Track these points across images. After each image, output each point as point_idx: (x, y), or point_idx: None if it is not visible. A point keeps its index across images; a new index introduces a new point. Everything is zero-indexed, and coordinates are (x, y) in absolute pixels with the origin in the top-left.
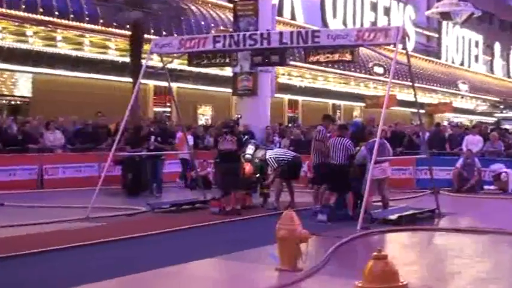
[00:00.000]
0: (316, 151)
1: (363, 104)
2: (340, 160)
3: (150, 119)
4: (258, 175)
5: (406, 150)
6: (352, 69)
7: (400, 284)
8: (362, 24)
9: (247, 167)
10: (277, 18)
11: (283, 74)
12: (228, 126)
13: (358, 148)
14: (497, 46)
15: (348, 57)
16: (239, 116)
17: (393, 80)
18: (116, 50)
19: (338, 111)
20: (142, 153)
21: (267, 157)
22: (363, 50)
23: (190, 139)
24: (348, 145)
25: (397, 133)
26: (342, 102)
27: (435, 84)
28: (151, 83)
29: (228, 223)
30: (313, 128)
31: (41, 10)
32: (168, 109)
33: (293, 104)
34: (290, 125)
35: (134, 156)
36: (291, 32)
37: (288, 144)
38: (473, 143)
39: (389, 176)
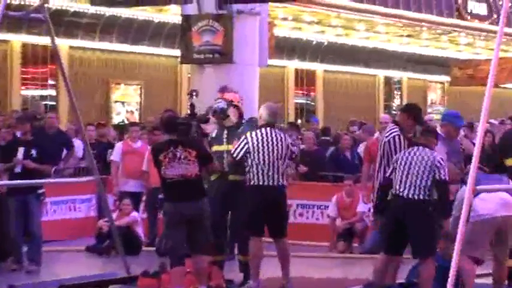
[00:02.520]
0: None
1: (446, 78)
2: (416, 192)
3: (16, 113)
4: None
5: None
6: (424, 9)
7: None
8: None
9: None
10: None
11: (285, 19)
12: (174, 128)
13: None
14: None
15: None
16: (194, 93)
17: (508, 29)
18: None
19: (396, 91)
20: (0, 183)
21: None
22: None
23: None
24: (437, 163)
25: None
26: (402, 74)
27: None
28: (18, 39)
29: None
30: (350, 129)
31: None
32: (53, 92)
33: (305, 79)
34: (299, 121)
35: None
36: None
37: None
38: None
39: None
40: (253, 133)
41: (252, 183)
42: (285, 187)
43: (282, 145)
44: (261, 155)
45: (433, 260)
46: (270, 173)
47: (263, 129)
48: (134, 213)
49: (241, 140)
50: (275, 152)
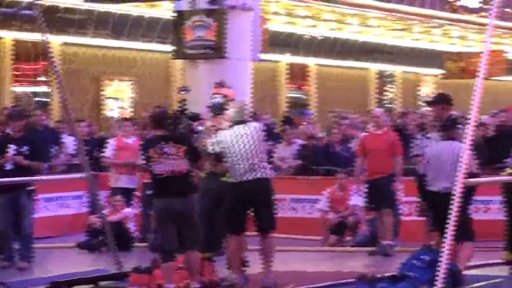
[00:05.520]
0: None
1: (439, 71)
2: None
3: (6, 109)
4: None
5: None
6: (417, 3)
7: None
8: None
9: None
10: None
11: (278, 14)
12: (163, 123)
13: None
14: None
15: None
16: (184, 90)
17: (498, 22)
18: None
19: (389, 85)
20: None
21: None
22: None
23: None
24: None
25: (508, 131)
26: (395, 68)
27: None
28: (10, 36)
29: None
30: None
31: None
32: (45, 88)
33: (299, 73)
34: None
35: None
36: None
37: (292, 155)
38: None
39: None
40: (226, 131)
41: (230, 180)
42: (268, 180)
43: (254, 138)
44: (235, 151)
45: None
46: (247, 168)
47: (234, 127)
48: (126, 209)
49: (214, 136)
50: (247, 146)
